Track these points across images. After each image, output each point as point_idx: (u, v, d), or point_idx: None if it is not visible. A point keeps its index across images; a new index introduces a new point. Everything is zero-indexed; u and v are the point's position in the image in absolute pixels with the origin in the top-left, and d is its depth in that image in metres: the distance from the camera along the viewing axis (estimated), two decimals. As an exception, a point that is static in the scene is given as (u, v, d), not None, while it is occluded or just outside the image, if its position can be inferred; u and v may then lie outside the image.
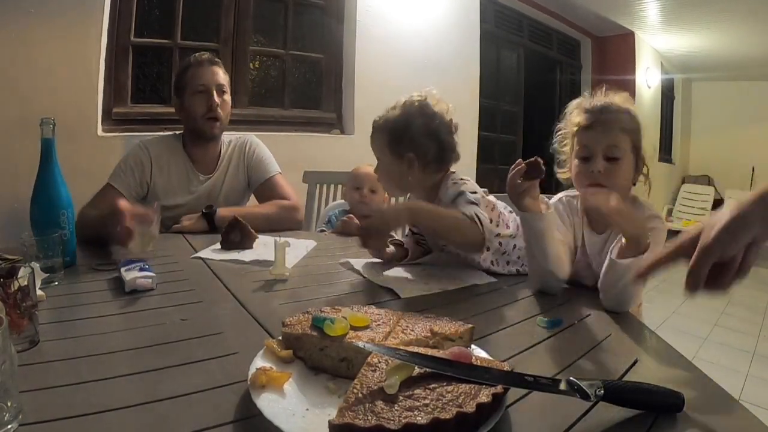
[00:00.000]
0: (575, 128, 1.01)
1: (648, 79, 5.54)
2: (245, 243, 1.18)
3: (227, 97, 1.51)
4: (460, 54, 3.21)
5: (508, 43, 4.32)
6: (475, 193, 1.05)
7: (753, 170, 6.46)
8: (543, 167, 0.92)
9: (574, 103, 1.06)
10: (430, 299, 0.89)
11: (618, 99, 1.02)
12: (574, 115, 1.03)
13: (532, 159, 0.92)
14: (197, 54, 1.51)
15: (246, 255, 1.13)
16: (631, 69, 5.26)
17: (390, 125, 1.11)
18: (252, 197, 1.63)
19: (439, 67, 3.02)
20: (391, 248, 1.14)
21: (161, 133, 1.47)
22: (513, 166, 0.93)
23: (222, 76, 1.50)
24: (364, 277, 1.02)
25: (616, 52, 5.32)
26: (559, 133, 1.09)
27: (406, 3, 2.88)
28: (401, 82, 2.79)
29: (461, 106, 3.32)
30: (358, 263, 1.09)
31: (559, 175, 1.10)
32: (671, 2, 4.15)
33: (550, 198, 1.15)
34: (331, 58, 2.75)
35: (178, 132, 1.55)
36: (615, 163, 0.96)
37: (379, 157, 1.15)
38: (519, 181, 0.91)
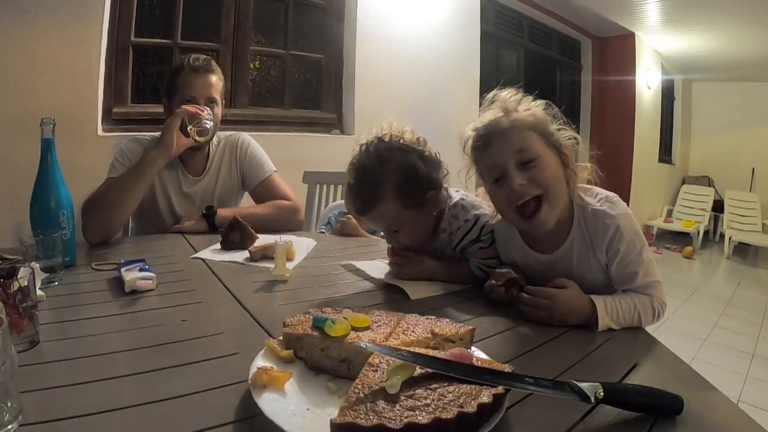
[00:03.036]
0: (473, 154, 0.88)
1: (648, 79, 5.54)
2: (245, 243, 1.18)
3: (218, 109, 1.44)
4: (460, 54, 3.21)
5: (509, 44, 4.32)
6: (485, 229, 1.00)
7: (753, 171, 6.47)
8: (519, 279, 0.86)
9: (463, 137, 0.91)
10: (431, 301, 0.89)
11: (509, 104, 0.86)
12: (467, 144, 0.89)
13: (506, 273, 0.86)
14: (193, 57, 1.41)
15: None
16: (631, 70, 5.26)
17: (395, 181, 0.93)
18: (246, 196, 1.62)
19: (439, 68, 3.03)
20: None
21: (150, 134, 1.45)
22: (489, 287, 0.87)
23: (215, 85, 1.43)
24: (372, 277, 1.01)
25: (616, 53, 5.32)
26: (467, 172, 0.92)
27: (406, 3, 2.88)
28: (402, 82, 2.81)
29: (461, 107, 3.31)
30: (362, 265, 1.08)
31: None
32: (672, 3, 4.16)
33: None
34: (331, 58, 2.75)
35: None
36: (534, 167, 0.81)
37: (393, 224, 0.98)
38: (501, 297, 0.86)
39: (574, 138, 0.87)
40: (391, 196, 0.93)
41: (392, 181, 0.93)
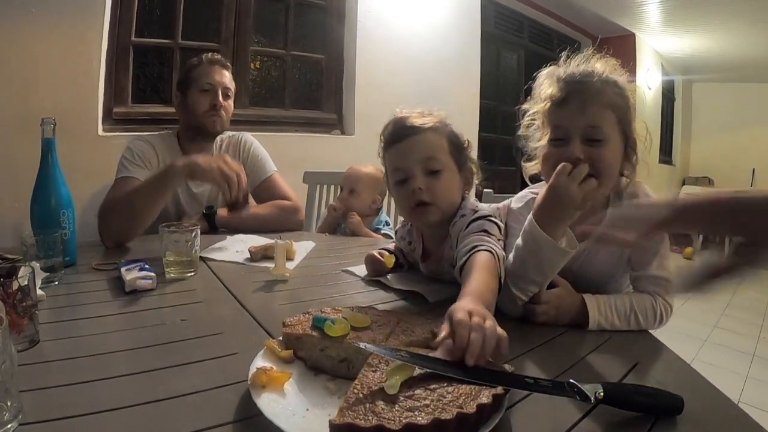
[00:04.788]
0: (546, 104, 0.80)
1: (648, 80, 5.54)
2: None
3: (230, 102, 1.51)
4: (460, 55, 3.21)
5: (509, 44, 4.32)
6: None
7: (753, 172, 6.47)
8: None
9: (545, 72, 0.84)
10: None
11: (601, 66, 0.81)
12: (544, 86, 0.82)
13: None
14: (210, 54, 1.51)
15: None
16: (631, 70, 5.16)
17: (447, 132, 0.91)
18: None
19: (440, 68, 3.02)
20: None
21: (154, 133, 1.46)
22: (563, 170, 0.70)
23: (229, 80, 1.51)
24: (389, 286, 0.96)
25: (616, 54, 5.23)
26: (527, 113, 0.87)
27: (407, 4, 2.88)
28: (402, 83, 2.80)
29: (462, 107, 3.31)
30: (360, 270, 1.05)
31: (527, 171, 0.90)
32: (672, 3, 4.16)
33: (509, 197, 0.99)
34: (331, 59, 2.75)
35: (171, 131, 1.54)
36: (597, 147, 0.75)
37: (436, 158, 0.88)
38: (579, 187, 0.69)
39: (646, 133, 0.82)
40: (442, 134, 0.90)
41: (445, 130, 0.91)
